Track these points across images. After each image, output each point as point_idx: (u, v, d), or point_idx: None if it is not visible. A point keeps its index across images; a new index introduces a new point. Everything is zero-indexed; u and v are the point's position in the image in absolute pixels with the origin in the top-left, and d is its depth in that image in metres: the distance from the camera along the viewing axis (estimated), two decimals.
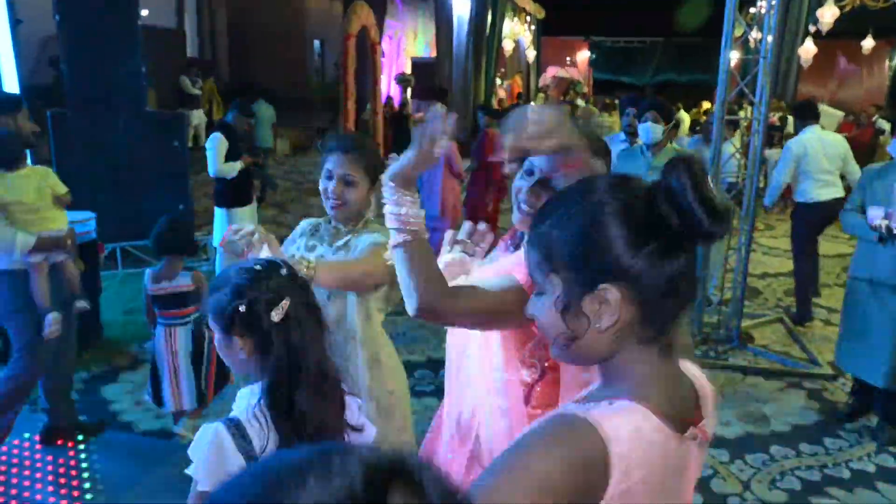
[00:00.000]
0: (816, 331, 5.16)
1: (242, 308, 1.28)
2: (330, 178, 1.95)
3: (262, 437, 1.28)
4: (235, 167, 5.12)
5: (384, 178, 1.34)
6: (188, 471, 1.27)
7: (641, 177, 0.93)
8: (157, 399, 3.14)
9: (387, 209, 1.33)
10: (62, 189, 3.26)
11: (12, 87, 5.36)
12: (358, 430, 1.43)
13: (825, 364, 4.38)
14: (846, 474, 3.26)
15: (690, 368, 0.98)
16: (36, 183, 3.13)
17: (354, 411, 1.45)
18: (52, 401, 3.24)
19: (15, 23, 5.25)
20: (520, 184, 1.48)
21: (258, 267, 1.33)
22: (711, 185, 0.85)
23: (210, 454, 1.26)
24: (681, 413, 0.89)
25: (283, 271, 1.35)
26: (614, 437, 0.79)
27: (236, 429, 1.28)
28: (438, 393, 2.89)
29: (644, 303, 0.86)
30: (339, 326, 2.00)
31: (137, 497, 2.89)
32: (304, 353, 1.31)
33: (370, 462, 0.46)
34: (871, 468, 3.32)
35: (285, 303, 1.29)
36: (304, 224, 2.18)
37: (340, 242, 2.01)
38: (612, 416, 0.82)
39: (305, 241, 2.10)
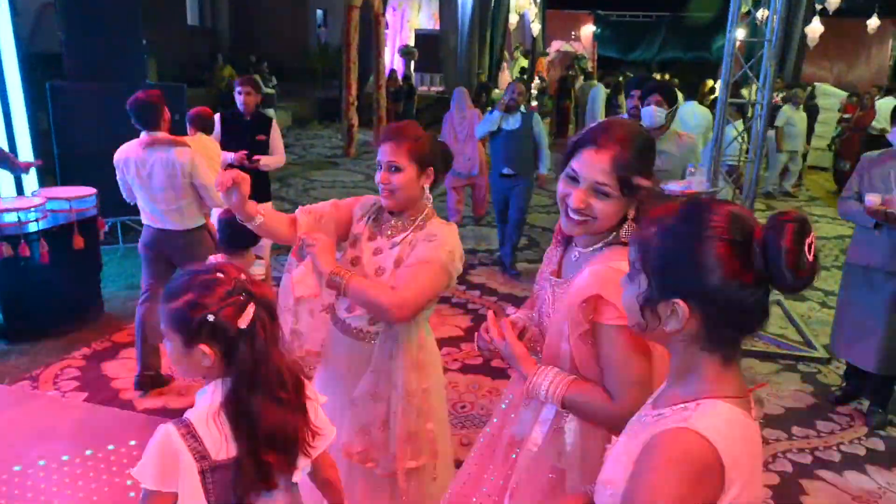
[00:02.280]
0: (813, 314, 5.17)
1: (211, 318, 1.25)
2: (379, 168, 1.96)
3: (218, 440, 1.29)
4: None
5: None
6: (132, 472, 1.27)
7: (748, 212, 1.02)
8: None
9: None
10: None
11: (10, 55, 5.29)
12: (317, 431, 1.44)
13: (820, 347, 4.40)
14: (836, 457, 3.29)
15: None
16: (213, 145, 4.28)
17: (313, 412, 1.46)
18: (145, 352, 3.62)
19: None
20: (566, 189, 1.46)
21: (220, 274, 1.30)
22: (808, 250, 0.94)
23: (159, 455, 1.26)
24: (742, 392, 1.02)
25: (242, 275, 1.33)
26: (715, 436, 0.93)
27: (186, 429, 1.28)
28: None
29: (710, 321, 0.99)
30: (381, 326, 2.00)
31: None
32: (267, 356, 1.31)
33: None
34: (862, 451, 3.35)
35: (250, 308, 1.28)
36: (369, 201, 2.12)
37: (399, 238, 1.99)
38: (704, 418, 0.96)
39: (367, 223, 2.07)
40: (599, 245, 1.49)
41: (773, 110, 8.22)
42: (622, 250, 1.42)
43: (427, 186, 1.98)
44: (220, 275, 1.29)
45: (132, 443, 3.12)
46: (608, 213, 1.42)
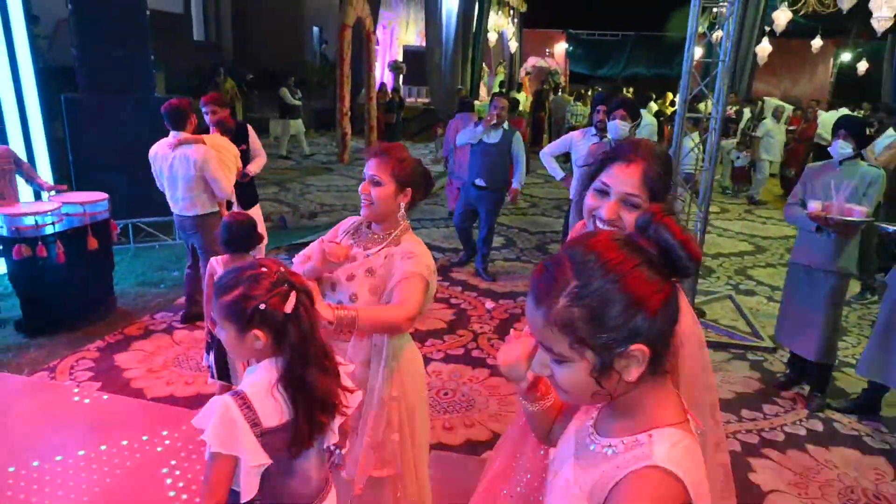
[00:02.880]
0: (761, 307, 5.25)
1: (263, 307, 1.32)
2: (364, 180, 1.97)
3: (277, 410, 1.36)
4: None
5: None
6: (203, 436, 1.32)
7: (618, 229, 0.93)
8: (224, 377, 3.03)
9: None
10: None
11: (27, 68, 5.21)
12: (350, 391, 1.53)
13: (767, 338, 4.47)
14: (780, 437, 3.35)
15: None
16: (234, 147, 4.29)
17: (345, 376, 1.55)
18: (191, 299, 4.36)
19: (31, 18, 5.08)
20: (595, 203, 1.43)
21: (263, 268, 1.36)
22: (691, 236, 0.89)
23: (220, 423, 1.32)
24: (682, 415, 0.94)
25: (281, 267, 1.39)
26: (678, 469, 0.85)
27: (241, 400, 1.34)
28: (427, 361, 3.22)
29: (658, 348, 0.90)
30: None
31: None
32: (313, 334, 1.39)
33: None
34: (803, 432, 3.41)
35: (293, 296, 1.34)
36: (349, 222, 2.12)
37: (374, 250, 1.98)
38: (664, 451, 0.87)
39: (347, 235, 2.07)
40: None
41: (727, 123, 8.32)
42: None
43: (403, 205, 1.97)
44: (264, 269, 1.36)
45: (144, 437, 3.11)
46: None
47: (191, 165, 3.91)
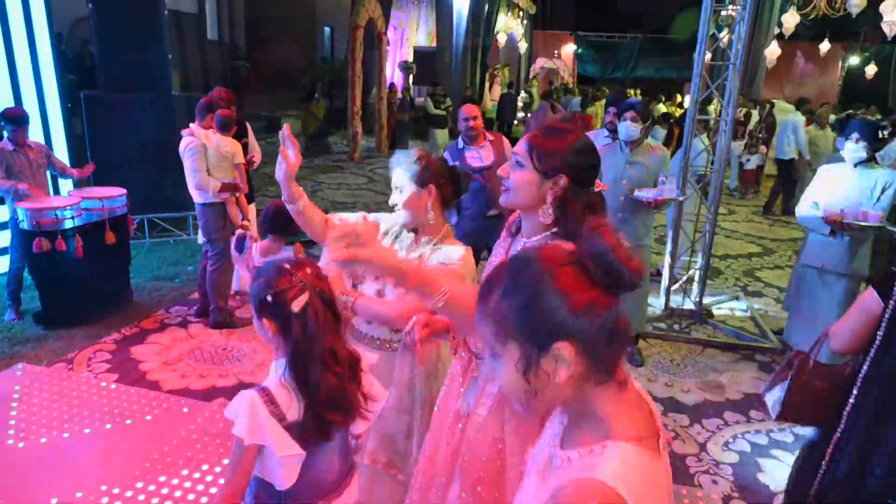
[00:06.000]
0: (769, 308, 5.20)
1: (269, 298, 1.39)
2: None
3: (291, 401, 1.40)
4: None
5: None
6: (234, 431, 1.37)
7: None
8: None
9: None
10: (241, 158, 4.23)
11: (48, 66, 5.23)
12: (373, 398, 1.56)
13: (775, 339, 4.43)
14: (790, 438, 3.31)
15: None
16: (232, 147, 4.17)
17: (368, 383, 1.57)
18: (205, 294, 4.27)
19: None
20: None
21: (287, 266, 1.43)
22: (626, 245, 0.88)
23: (248, 416, 1.37)
24: (650, 431, 0.91)
25: (308, 270, 1.44)
26: (621, 484, 0.81)
27: (266, 396, 1.39)
28: None
29: (591, 352, 0.87)
30: (401, 335, 1.93)
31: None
32: (318, 337, 1.41)
33: None
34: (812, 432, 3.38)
35: (304, 296, 1.39)
36: (394, 220, 2.03)
37: (414, 255, 1.93)
38: (610, 464, 0.84)
39: (392, 240, 2.03)
40: (541, 237, 1.50)
41: (736, 123, 8.22)
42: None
43: (430, 204, 1.90)
44: (288, 266, 1.43)
45: (148, 418, 3.11)
46: (519, 183, 1.48)
47: (181, 156, 4.04)
